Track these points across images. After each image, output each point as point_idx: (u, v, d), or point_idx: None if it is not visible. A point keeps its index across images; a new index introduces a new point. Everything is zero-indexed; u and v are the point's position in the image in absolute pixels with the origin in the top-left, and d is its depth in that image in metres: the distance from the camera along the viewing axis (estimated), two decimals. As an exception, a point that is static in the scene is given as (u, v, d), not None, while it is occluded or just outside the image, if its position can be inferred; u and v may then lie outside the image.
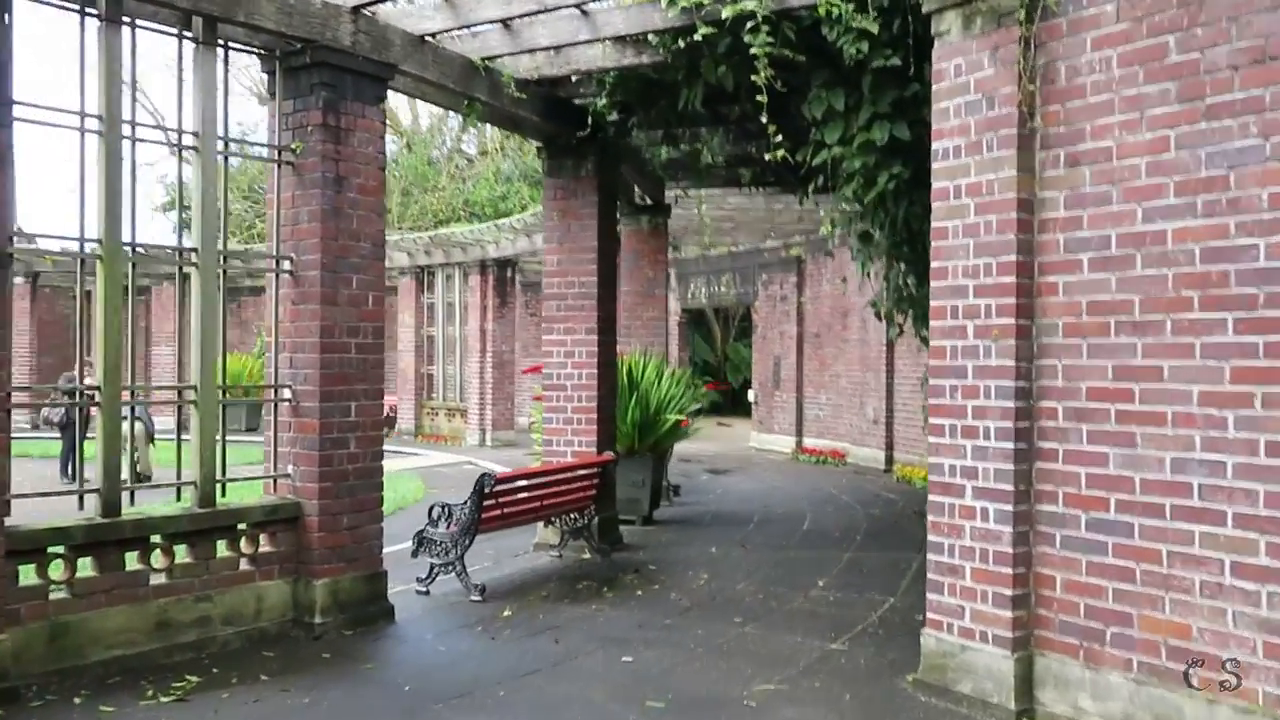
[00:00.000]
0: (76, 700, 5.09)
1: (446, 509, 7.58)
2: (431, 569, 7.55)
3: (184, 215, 11.58)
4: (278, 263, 6.57)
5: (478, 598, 7.31)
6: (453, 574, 7.47)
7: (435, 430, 22.89)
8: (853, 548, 9.37)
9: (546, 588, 7.81)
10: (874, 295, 8.80)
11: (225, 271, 6.43)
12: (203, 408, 6.10)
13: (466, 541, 7.46)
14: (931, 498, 5.36)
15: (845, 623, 6.71)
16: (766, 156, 6.97)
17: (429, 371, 23.47)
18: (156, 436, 16.02)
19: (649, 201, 12.52)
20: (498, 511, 7.69)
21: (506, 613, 7.00)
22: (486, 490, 7.39)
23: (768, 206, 15.07)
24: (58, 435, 16.03)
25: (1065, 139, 4.90)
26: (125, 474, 6.00)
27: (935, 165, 5.39)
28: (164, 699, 5.15)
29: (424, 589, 7.54)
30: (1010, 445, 4.97)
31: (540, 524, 9.08)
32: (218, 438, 6.19)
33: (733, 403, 29.26)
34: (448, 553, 7.47)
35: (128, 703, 5.09)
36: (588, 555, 8.92)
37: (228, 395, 6.47)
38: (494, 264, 21.32)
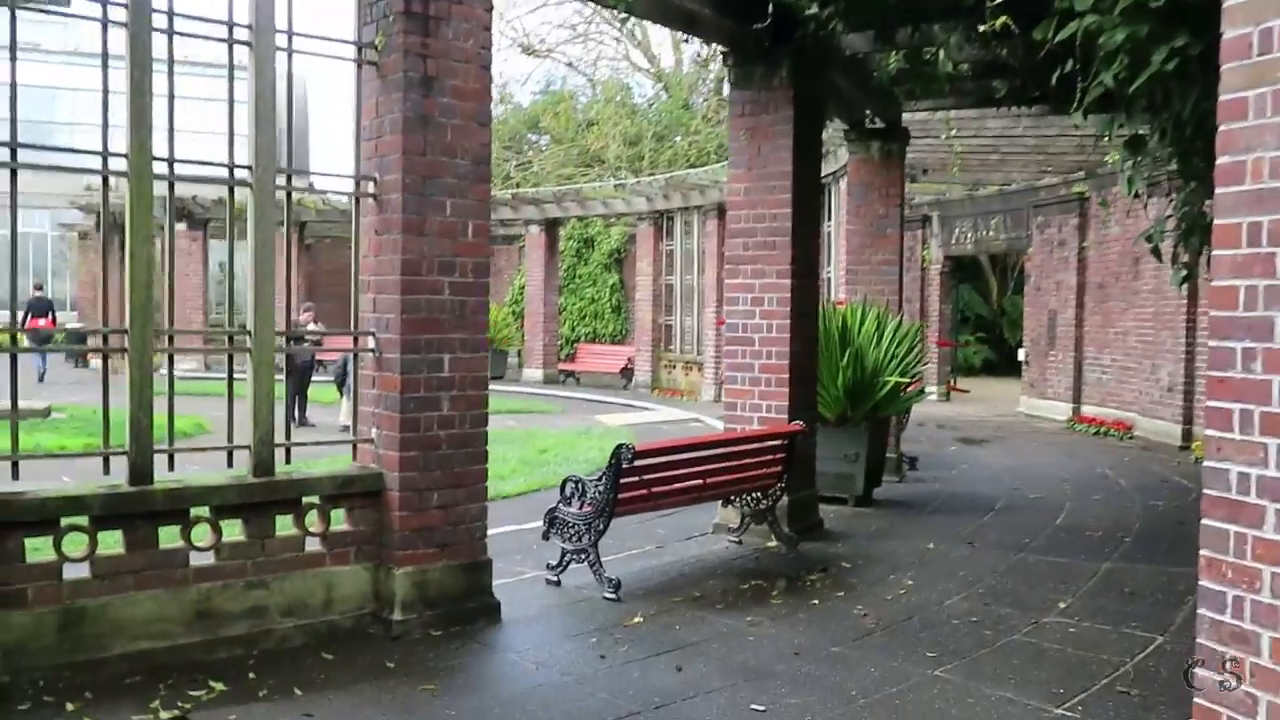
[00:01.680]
0: (70, 706, 4.20)
1: (580, 485, 6.27)
2: (563, 555, 6.29)
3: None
4: (358, 184, 5.43)
5: (611, 595, 5.99)
6: (585, 562, 6.18)
7: (672, 384, 21.83)
8: (1116, 555, 7.26)
9: (704, 585, 6.37)
10: (1152, 225, 6.59)
11: (290, 195, 5.35)
12: (257, 356, 5.07)
13: (600, 525, 6.13)
14: (1207, 521, 3.43)
15: (1085, 671, 4.83)
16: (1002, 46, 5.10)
17: (666, 322, 22.39)
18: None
19: (880, 124, 10.58)
20: (642, 491, 6.30)
21: (638, 618, 5.62)
22: (624, 464, 6.02)
23: (1038, 132, 12.63)
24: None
25: None
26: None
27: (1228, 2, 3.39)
28: (164, 714, 4.17)
29: (555, 578, 6.31)
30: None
31: (720, 503, 7.61)
32: (275, 394, 5.14)
33: (1007, 362, 26.29)
34: (580, 537, 6.18)
35: (123, 716, 4.15)
36: (772, 543, 7.38)
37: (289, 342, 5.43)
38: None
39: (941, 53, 8.63)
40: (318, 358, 17.96)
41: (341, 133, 50.85)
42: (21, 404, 5.38)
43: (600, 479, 6.16)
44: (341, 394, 14.61)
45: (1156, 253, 6.22)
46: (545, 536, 6.40)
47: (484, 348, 5.62)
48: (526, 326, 24.49)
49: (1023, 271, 20.42)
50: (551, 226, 24.20)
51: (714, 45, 7.89)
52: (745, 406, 7.85)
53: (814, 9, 7.31)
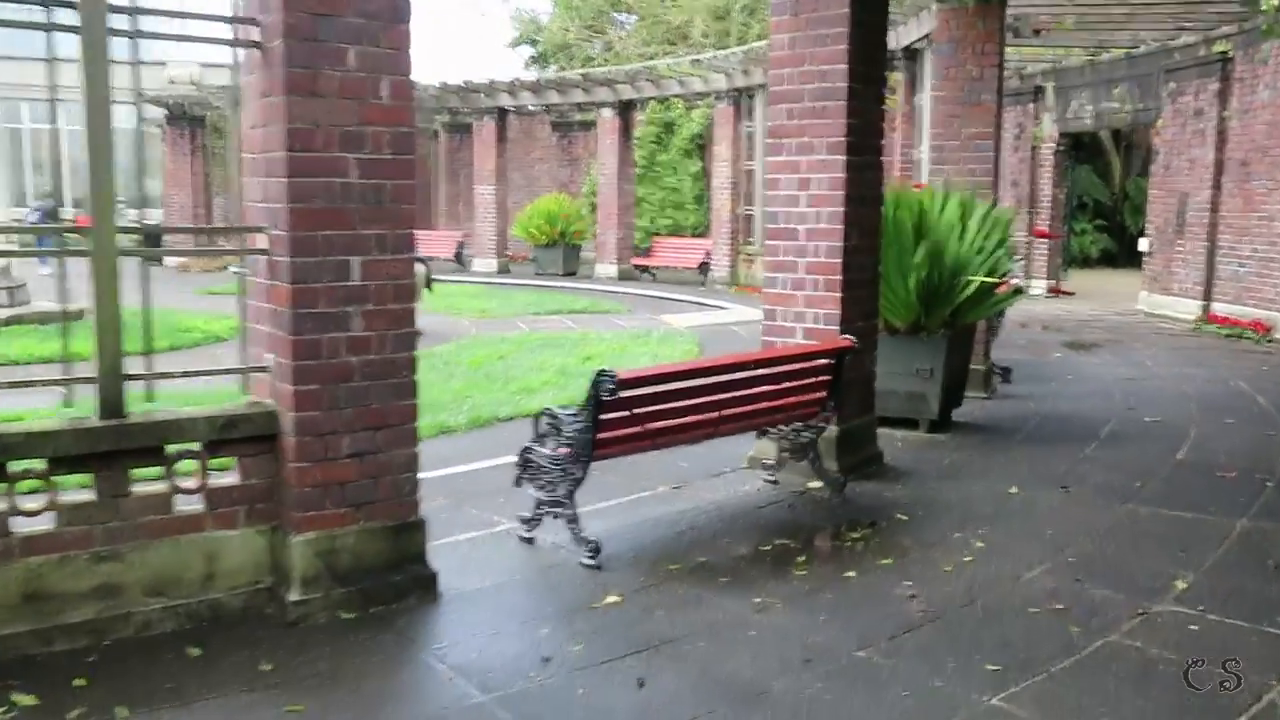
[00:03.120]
0: None
1: (555, 420, 4.97)
2: (537, 506, 5.05)
3: None
4: (235, 29, 4.08)
5: (589, 560, 4.74)
6: (561, 518, 4.92)
7: (751, 280, 20.20)
8: (1256, 508, 5.67)
9: (714, 546, 5.08)
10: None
11: (136, 35, 4.00)
12: (96, 259, 3.84)
13: (578, 473, 4.84)
14: None
15: (1215, 699, 3.40)
16: None
17: (746, 212, 20.67)
18: (434, 280, 14.20)
19: (976, -35, 8.71)
20: (634, 429, 4.97)
21: (613, 597, 4.37)
22: (604, 397, 4.69)
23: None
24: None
25: None
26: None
27: None
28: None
29: (528, 534, 5.08)
30: None
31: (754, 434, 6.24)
32: (126, 304, 3.91)
33: (1128, 253, 23.92)
34: (554, 485, 4.92)
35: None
36: (815, 484, 6.02)
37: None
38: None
39: None
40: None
41: None
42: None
43: (577, 414, 4.85)
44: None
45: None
46: (517, 483, 5.15)
47: (409, 246, 4.29)
48: (600, 219, 23.03)
49: (1150, 149, 18.06)
50: (625, 109, 22.50)
51: None
52: (787, 315, 6.40)
53: None
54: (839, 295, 6.18)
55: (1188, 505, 5.68)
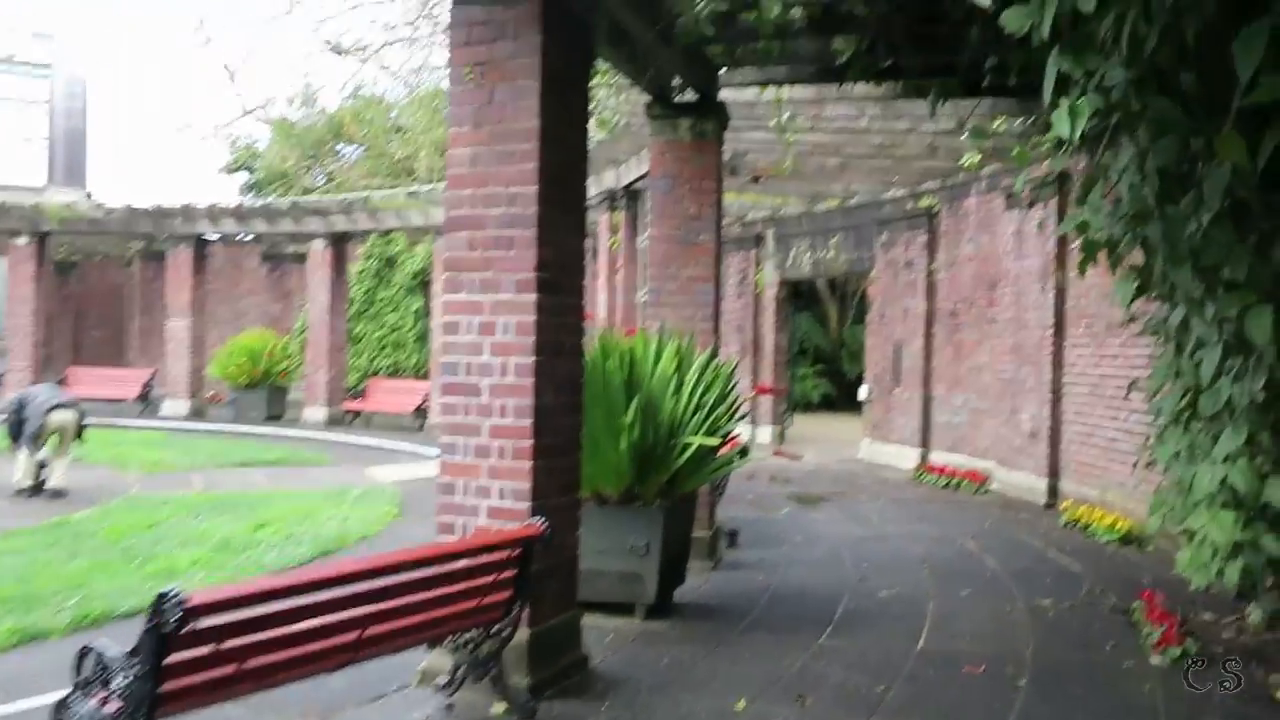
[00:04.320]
0: None
1: (101, 663, 3.40)
2: (75, 790, 3.40)
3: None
4: None
5: None
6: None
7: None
8: (1013, 716, 4.83)
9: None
10: (1079, 212, 4.22)
11: None
12: None
13: (130, 740, 3.28)
14: None
15: None
16: None
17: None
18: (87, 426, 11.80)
19: (691, 97, 8.12)
20: (227, 668, 3.48)
21: None
22: (173, 630, 3.19)
23: (886, 126, 10.48)
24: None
25: None
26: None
27: None
28: None
29: (58, 833, 3.41)
30: None
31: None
32: None
33: (847, 398, 24.55)
34: (98, 762, 3.32)
35: None
36: (499, 707, 4.67)
37: None
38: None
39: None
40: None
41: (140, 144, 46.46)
42: None
43: (132, 656, 3.31)
44: (17, 443, 11.10)
45: (1090, 249, 3.85)
46: (43, 754, 3.50)
47: None
48: (309, 358, 21.10)
49: (865, 297, 18.50)
50: (339, 241, 21.00)
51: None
52: (469, 491, 5.13)
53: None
54: (530, 465, 4.99)
55: (940, 713, 4.76)
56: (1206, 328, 4.01)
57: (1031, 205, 11.70)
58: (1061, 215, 11.22)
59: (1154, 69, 3.37)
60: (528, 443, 4.99)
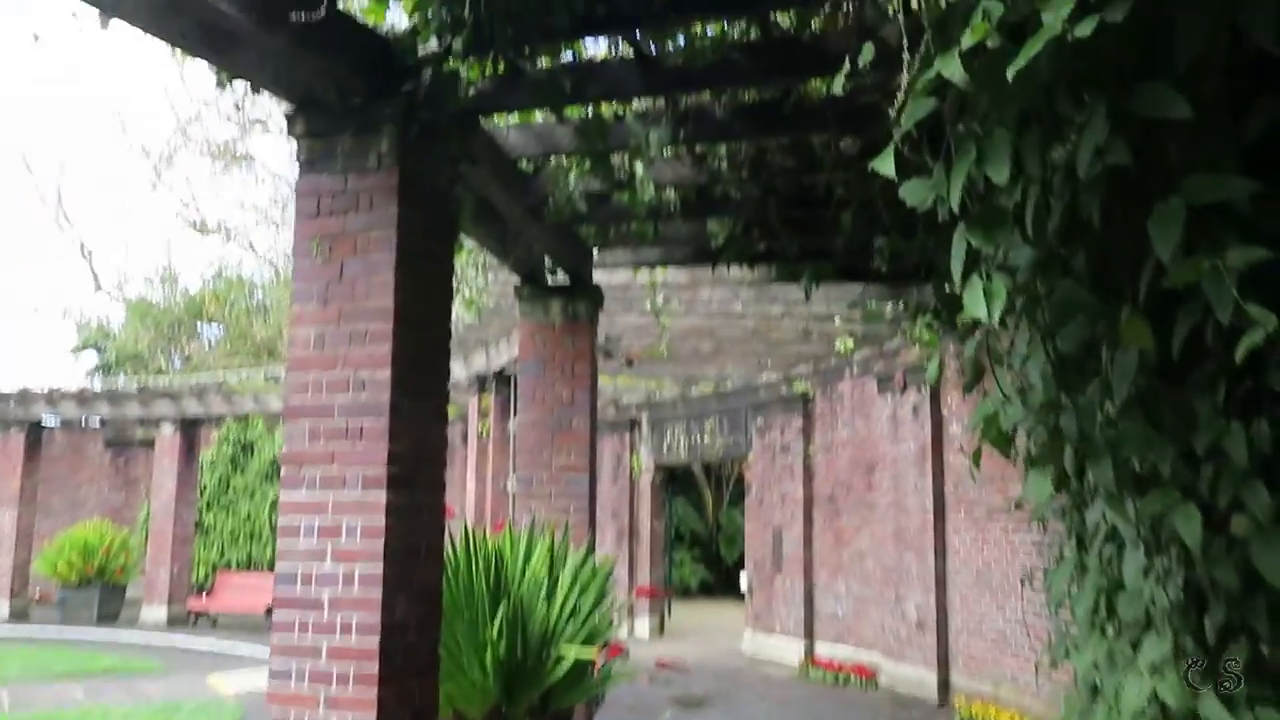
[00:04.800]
0: None
1: None
2: None
3: None
4: None
5: None
6: None
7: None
8: None
9: None
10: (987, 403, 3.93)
11: None
12: None
13: None
14: None
15: None
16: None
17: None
18: None
19: (564, 278, 7.80)
20: None
21: None
22: None
23: (759, 310, 10.40)
24: None
25: None
26: None
27: None
28: None
29: None
30: None
31: None
32: None
33: (725, 583, 23.99)
34: None
35: None
36: None
37: None
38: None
39: (639, 167, 6.06)
40: None
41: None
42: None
43: None
44: None
45: (1001, 443, 3.52)
46: None
47: None
48: (151, 552, 19.48)
49: (741, 481, 18.22)
50: (190, 426, 19.81)
51: (271, 97, 4.77)
52: (303, 724, 4.33)
53: (433, 43, 4.48)
54: (375, 694, 4.24)
55: None
56: (1126, 525, 3.63)
57: (904, 390, 11.70)
58: (935, 400, 11.23)
59: (1058, 249, 3.13)
60: (373, 667, 4.26)
